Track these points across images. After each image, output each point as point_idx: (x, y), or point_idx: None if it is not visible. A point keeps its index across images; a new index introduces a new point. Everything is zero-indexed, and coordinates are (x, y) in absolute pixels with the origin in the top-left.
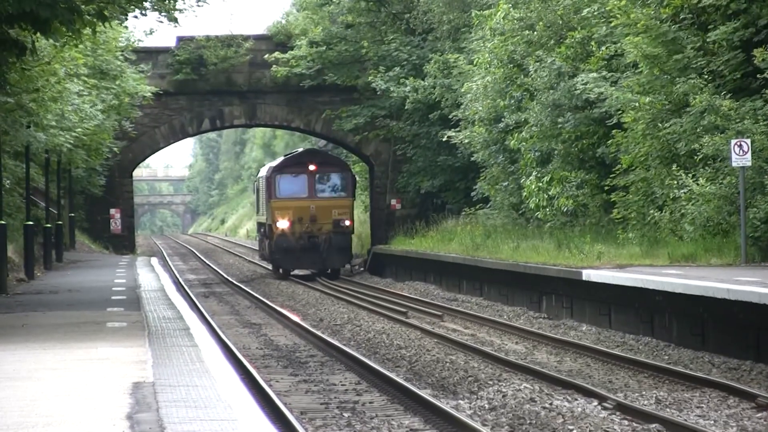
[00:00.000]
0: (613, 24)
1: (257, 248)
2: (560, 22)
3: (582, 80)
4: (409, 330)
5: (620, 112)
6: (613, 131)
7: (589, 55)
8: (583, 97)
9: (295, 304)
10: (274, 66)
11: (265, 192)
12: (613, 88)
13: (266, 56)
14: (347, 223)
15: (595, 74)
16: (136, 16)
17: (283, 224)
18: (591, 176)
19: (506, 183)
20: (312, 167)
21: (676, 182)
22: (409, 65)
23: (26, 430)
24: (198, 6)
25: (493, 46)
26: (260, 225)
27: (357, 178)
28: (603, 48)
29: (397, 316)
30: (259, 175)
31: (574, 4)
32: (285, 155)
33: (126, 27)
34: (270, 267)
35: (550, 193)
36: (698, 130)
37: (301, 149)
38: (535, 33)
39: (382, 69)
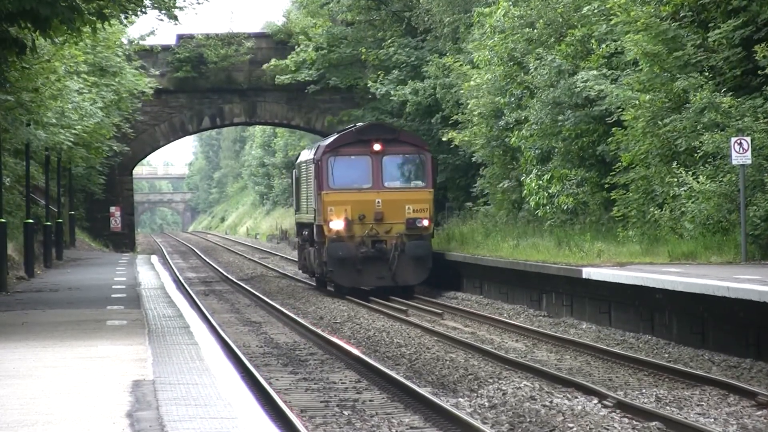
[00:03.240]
0: (613, 22)
1: (296, 258)
2: (560, 20)
3: (582, 78)
4: (409, 328)
5: (620, 109)
6: (613, 129)
7: (589, 52)
8: (583, 94)
9: (295, 303)
10: (277, 76)
11: (312, 181)
12: (614, 85)
13: (264, 66)
14: (425, 223)
15: (595, 72)
16: (136, 15)
17: (337, 225)
18: (591, 174)
19: (507, 181)
20: (377, 146)
21: (676, 180)
22: (408, 67)
23: (27, 428)
24: (198, 3)
25: (493, 43)
26: (301, 226)
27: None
28: (603, 46)
29: (397, 314)
30: (301, 159)
31: (575, 2)
32: (339, 131)
33: (126, 26)
34: (313, 281)
35: (550, 191)
36: (698, 127)
37: (359, 124)
38: (536, 31)
39: (381, 73)
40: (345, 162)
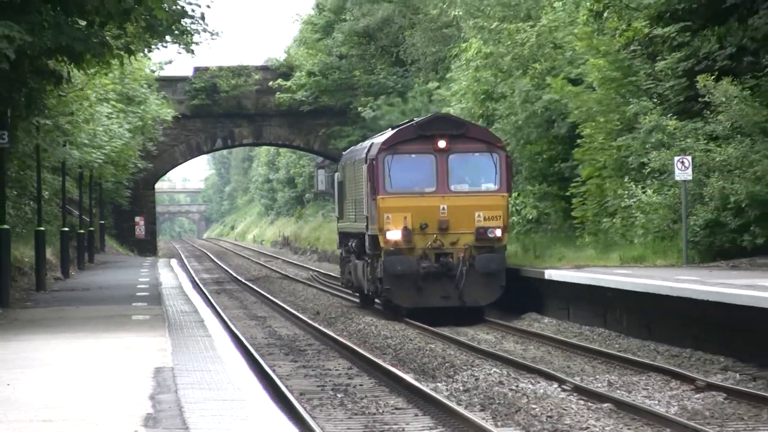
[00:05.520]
0: (577, 49)
1: (339, 272)
2: (526, 54)
3: (545, 102)
4: (393, 322)
5: (578, 128)
6: (574, 151)
7: (554, 75)
8: (545, 117)
9: (296, 300)
10: (278, 93)
11: (364, 184)
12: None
13: (270, 83)
14: (498, 233)
15: (556, 95)
16: (158, 48)
17: (395, 235)
18: (552, 188)
19: None
20: (442, 143)
21: (627, 192)
22: (395, 93)
23: (62, 409)
24: (212, 39)
25: (467, 76)
26: (346, 236)
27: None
28: (563, 73)
29: (385, 313)
30: (347, 159)
31: (538, 40)
32: (397, 125)
33: (150, 58)
34: (357, 298)
35: (516, 203)
36: (647, 146)
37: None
38: (504, 65)
39: (371, 99)
40: (404, 161)
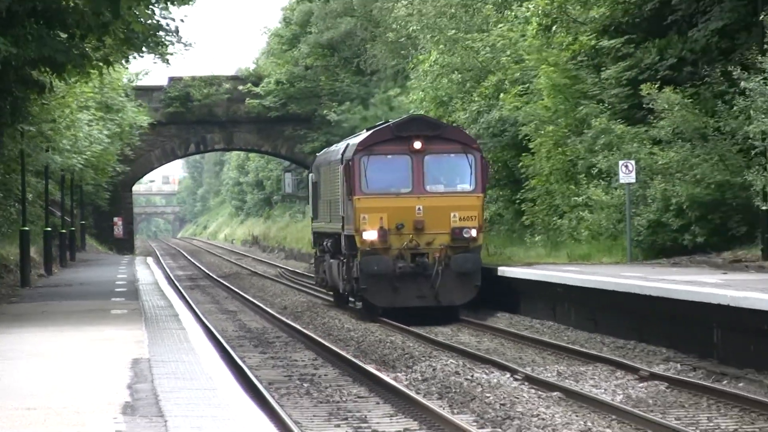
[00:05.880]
0: (527, 60)
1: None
2: (480, 67)
3: (497, 114)
4: (356, 315)
5: (528, 138)
6: (523, 155)
7: (504, 90)
8: (498, 126)
9: (264, 295)
10: (248, 99)
11: (340, 185)
12: (528, 109)
13: (241, 87)
14: (474, 233)
15: (508, 107)
16: (135, 58)
17: (371, 235)
18: (505, 191)
19: None
20: (418, 144)
21: (577, 190)
22: (358, 99)
23: (47, 397)
24: (186, 50)
25: (424, 86)
26: (321, 236)
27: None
28: (515, 87)
29: (348, 307)
30: (322, 160)
31: (491, 52)
32: (373, 126)
33: (127, 68)
34: (328, 295)
35: None
36: (595, 149)
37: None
38: (459, 76)
39: (335, 104)
40: (381, 162)
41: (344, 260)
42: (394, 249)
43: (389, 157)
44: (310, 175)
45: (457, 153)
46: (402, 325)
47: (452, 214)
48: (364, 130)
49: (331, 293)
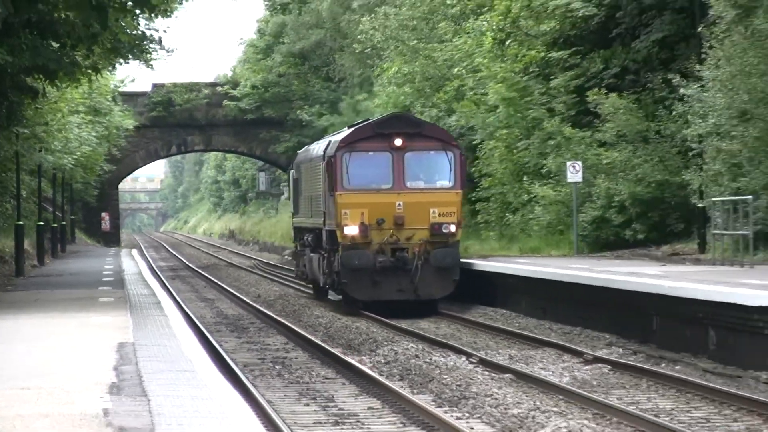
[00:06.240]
0: (479, 77)
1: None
2: (438, 75)
3: (456, 119)
4: (324, 303)
5: (482, 142)
6: (477, 158)
7: (462, 96)
8: (456, 130)
9: (240, 285)
10: (225, 101)
11: (321, 181)
12: (482, 117)
13: (219, 88)
14: (453, 228)
15: (465, 111)
16: (120, 64)
17: (352, 230)
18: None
19: None
20: (399, 141)
21: (526, 188)
22: (327, 103)
23: (36, 378)
24: (168, 56)
25: (388, 92)
26: (301, 231)
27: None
28: (471, 93)
29: (309, 291)
30: (304, 157)
31: (449, 62)
32: (354, 124)
33: (114, 75)
34: (311, 289)
35: None
36: (546, 150)
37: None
38: (419, 83)
39: (307, 106)
40: (362, 159)
41: (325, 254)
42: (374, 244)
43: (370, 153)
44: (291, 172)
45: (436, 150)
46: (367, 313)
47: (431, 210)
48: (346, 128)
49: (311, 286)
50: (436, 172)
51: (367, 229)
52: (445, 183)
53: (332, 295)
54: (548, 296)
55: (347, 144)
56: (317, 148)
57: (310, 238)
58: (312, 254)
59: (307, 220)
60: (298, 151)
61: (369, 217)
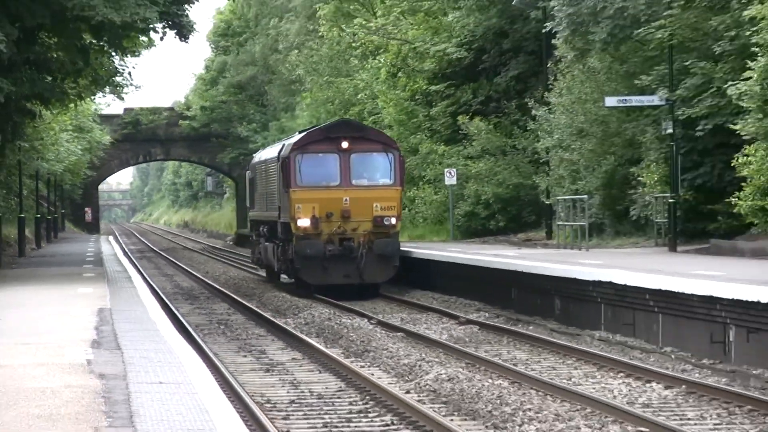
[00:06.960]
0: (378, 102)
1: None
2: (346, 100)
3: None
4: (257, 277)
5: None
6: None
7: (363, 119)
8: None
9: (192, 263)
10: (181, 120)
11: (276, 179)
12: None
13: (175, 107)
14: (393, 221)
15: None
16: (101, 95)
17: (305, 222)
18: None
19: None
20: (345, 144)
21: (413, 193)
22: (260, 123)
23: (34, 336)
24: (136, 90)
25: (307, 114)
26: (257, 223)
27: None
28: (371, 117)
29: (253, 270)
30: (259, 159)
31: (354, 90)
32: (305, 129)
33: (94, 101)
34: (263, 273)
35: None
36: (424, 165)
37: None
38: (331, 107)
39: (245, 123)
40: (313, 159)
41: (279, 243)
42: (324, 234)
43: (320, 155)
44: (247, 172)
45: (379, 152)
46: (318, 296)
47: (374, 205)
48: (297, 133)
49: (263, 269)
50: (378, 171)
51: (317, 222)
52: (387, 181)
53: (284, 279)
54: (432, 272)
55: (300, 146)
56: (271, 150)
57: (265, 229)
58: (267, 243)
59: (263, 213)
60: (253, 155)
61: (319, 211)
